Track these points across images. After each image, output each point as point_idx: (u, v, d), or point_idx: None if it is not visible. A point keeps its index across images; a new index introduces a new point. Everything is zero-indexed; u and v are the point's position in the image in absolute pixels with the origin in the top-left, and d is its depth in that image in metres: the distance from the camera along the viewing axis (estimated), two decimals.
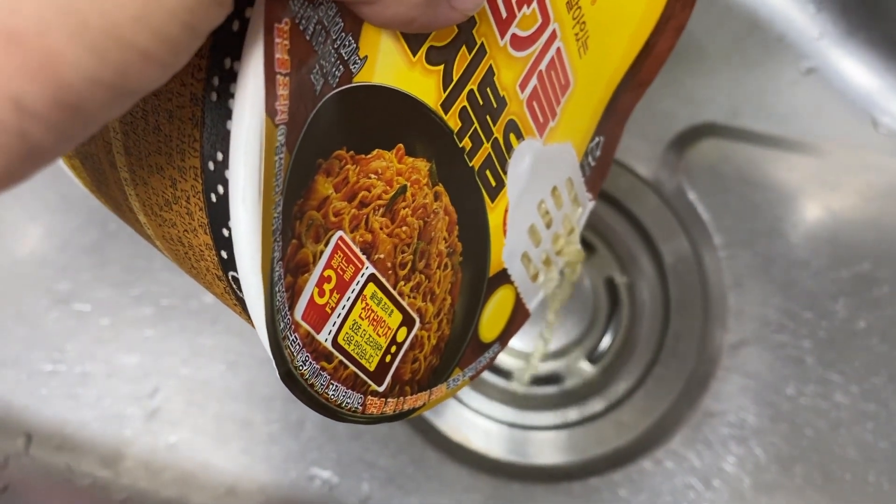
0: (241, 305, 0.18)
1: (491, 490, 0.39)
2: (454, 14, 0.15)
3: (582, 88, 0.24)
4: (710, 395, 0.40)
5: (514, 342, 0.41)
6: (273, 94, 0.13)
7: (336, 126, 0.16)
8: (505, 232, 0.24)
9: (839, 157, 0.45)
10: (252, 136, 0.13)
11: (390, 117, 0.17)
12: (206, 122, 0.14)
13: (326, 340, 0.18)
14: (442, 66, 0.18)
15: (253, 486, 0.39)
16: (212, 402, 0.40)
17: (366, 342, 0.19)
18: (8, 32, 0.10)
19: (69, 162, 0.20)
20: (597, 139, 0.28)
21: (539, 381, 0.42)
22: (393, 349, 0.20)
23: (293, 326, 0.16)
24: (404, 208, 0.19)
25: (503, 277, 0.25)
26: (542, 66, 0.22)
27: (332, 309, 0.17)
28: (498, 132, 0.21)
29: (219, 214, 0.16)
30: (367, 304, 0.19)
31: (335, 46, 0.14)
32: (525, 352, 0.42)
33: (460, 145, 0.20)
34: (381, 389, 0.20)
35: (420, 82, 0.18)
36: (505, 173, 0.23)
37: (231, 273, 0.17)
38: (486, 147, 0.21)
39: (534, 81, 0.22)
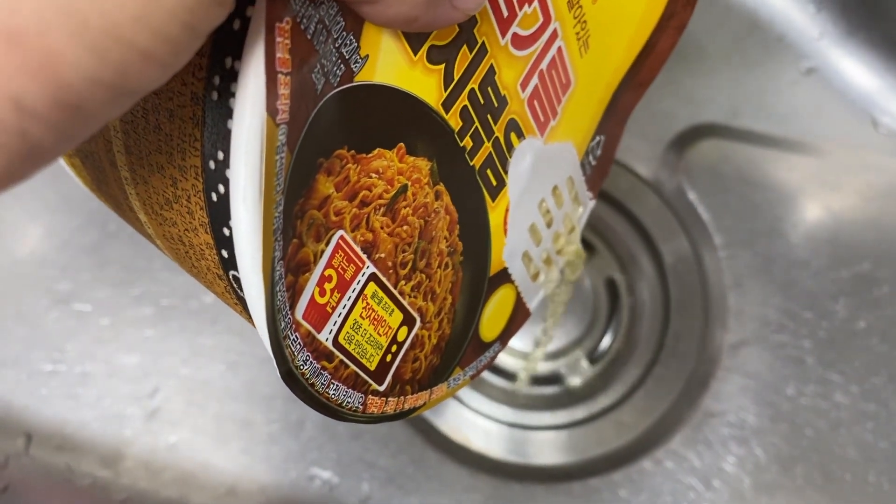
0: (241, 305, 0.18)
1: (491, 490, 0.39)
2: (456, 13, 0.15)
3: (583, 87, 0.24)
4: (711, 395, 0.40)
5: (514, 342, 0.41)
6: (274, 94, 0.13)
7: (337, 125, 0.16)
8: (506, 231, 0.24)
9: (839, 157, 0.45)
10: (253, 136, 0.13)
11: (391, 116, 0.17)
12: (207, 122, 0.14)
13: (327, 340, 0.18)
14: (443, 66, 0.18)
15: (253, 486, 0.39)
16: (212, 402, 0.40)
17: (366, 341, 0.19)
18: (8, 32, 0.10)
19: (70, 161, 0.20)
20: (597, 138, 0.28)
21: (539, 381, 0.42)
22: (394, 348, 0.20)
23: (294, 326, 0.16)
24: (405, 207, 0.19)
25: (504, 277, 0.25)
26: (543, 66, 0.22)
27: (333, 308, 0.17)
28: (499, 131, 0.21)
29: (220, 213, 0.16)
30: (367, 304, 0.19)
31: (336, 45, 0.14)
32: (525, 351, 0.42)
33: (461, 144, 0.20)
34: (381, 389, 0.20)
35: (421, 81, 0.18)
36: (506, 172, 0.23)
37: (232, 272, 0.17)
38: (487, 146, 0.21)
39: (535, 80, 0.22)
